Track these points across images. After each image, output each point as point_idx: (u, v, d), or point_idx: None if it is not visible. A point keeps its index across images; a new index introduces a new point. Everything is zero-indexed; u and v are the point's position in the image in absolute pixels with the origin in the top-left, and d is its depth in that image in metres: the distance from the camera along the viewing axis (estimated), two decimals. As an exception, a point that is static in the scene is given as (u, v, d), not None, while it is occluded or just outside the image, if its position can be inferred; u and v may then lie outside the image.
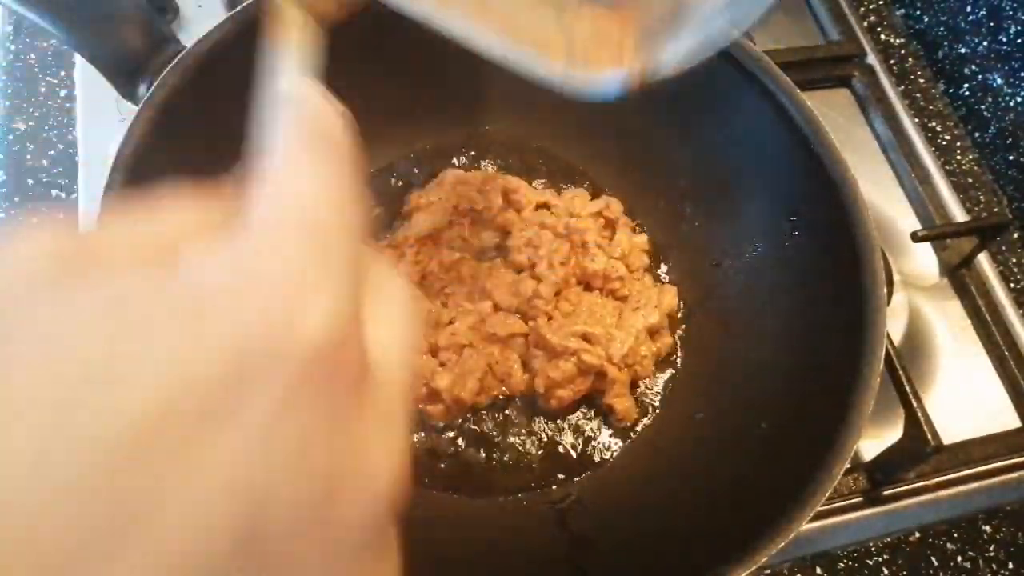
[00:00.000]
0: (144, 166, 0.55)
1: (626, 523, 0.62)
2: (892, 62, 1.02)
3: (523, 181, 0.77)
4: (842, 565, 0.71)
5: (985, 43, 0.96)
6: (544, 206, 0.75)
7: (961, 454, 0.73)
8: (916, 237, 0.82)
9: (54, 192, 0.80)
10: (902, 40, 1.04)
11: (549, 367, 0.67)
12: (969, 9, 0.97)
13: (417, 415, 0.67)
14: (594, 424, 0.69)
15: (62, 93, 0.85)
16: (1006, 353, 0.80)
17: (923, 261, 0.86)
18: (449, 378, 0.66)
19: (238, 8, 0.62)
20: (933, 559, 0.72)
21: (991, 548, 0.73)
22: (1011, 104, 0.93)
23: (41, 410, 0.17)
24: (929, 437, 0.65)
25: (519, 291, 0.69)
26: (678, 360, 0.72)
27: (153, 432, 0.17)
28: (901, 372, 0.69)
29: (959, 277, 0.84)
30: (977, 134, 0.98)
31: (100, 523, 0.16)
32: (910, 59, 1.03)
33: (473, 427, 0.68)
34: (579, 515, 0.64)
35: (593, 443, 0.68)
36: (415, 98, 0.77)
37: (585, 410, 0.69)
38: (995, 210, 0.93)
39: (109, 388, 0.17)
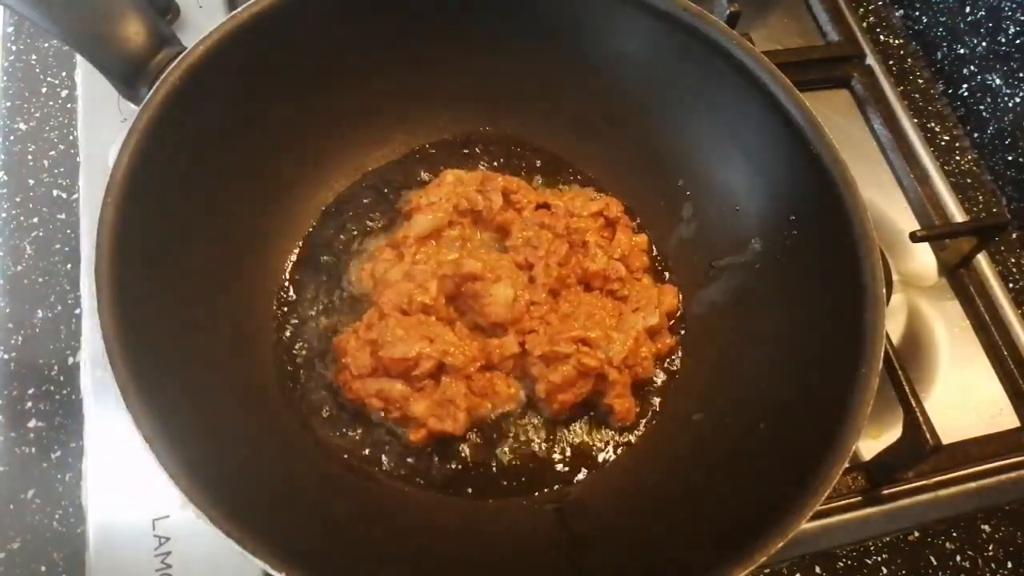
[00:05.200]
0: (146, 166, 0.56)
1: (626, 523, 0.62)
2: (891, 63, 1.02)
3: (523, 181, 0.77)
4: (841, 564, 0.71)
5: (984, 44, 0.96)
6: (544, 206, 0.75)
7: (960, 454, 0.73)
8: (915, 237, 0.82)
9: (55, 192, 0.80)
10: (901, 41, 1.05)
11: (549, 372, 0.67)
12: (968, 10, 0.98)
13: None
14: (594, 425, 0.69)
15: (63, 94, 0.85)
16: (1005, 353, 0.80)
17: (922, 261, 0.86)
18: (425, 404, 0.65)
19: (238, 8, 0.62)
20: (932, 558, 0.72)
21: (990, 547, 0.73)
22: (1010, 104, 0.93)
23: None
24: (928, 437, 0.65)
25: (513, 307, 0.68)
26: (678, 360, 0.73)
27: None
28: (900, 372, 0.69)
29: (958, 277, 0.85)
30: (976, 134, 0.98)
31: None
32: (909, 60, 1.03)
33: (474, 430, 0.68)
34: (579, 515, 0.64)
35: (593, 443, 0.68)
36: (415, 98, 0.77)
37: (585, 411, 0.69)
38: (994, 210, 0.93)
39: None
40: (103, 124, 0.80)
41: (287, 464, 0.61)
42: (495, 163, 0.80)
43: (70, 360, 0.72)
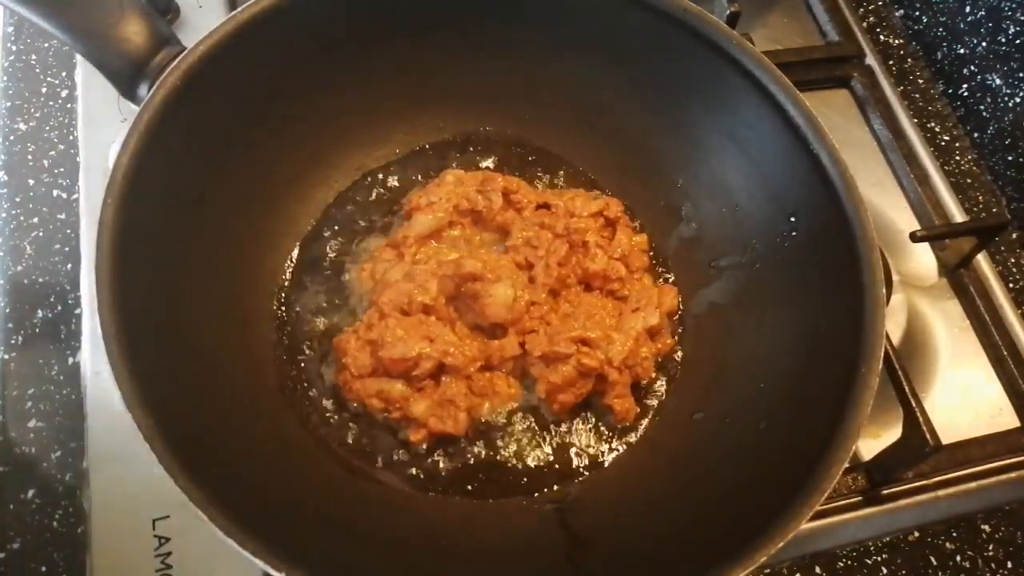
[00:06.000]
0: (146, 167, 0.56)
1: (626, 523, 0.62)
2: (891, 63, 1.02)
3: (523, 181, 0.77)
4: (841, 564, 0.71)
5: (984, 44, 0.96)
6: (544, 206, 0.75)
7: (960, 454, 0.73)
8: (915, 237, 0.82)
9: (55, 192, 0.80)
10: (901, 41, 1.05)
11: (549, 372, 0.67)
12: (968, 10, 0.98)
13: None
14: (594, 425, 0.69)
15: (63, 94, 0.85)
16: (1004, 353, 0.80)
17: (922, 261, 0.86)
18: (425, 404, 0.65)
19: (238, 8, 0.62)
20: (932, 558, 0.72)
21: (990, 547, 0.73)
22: (1010, 104, 0.93)
23: None
24: (928, 437, 0.65)
25: (513, 307, 0.68)
26: (678, 360, 0.73)
27: None
28: (900, 372, 0.69)
29: (958, 277, 0.85)
30: (976, 134, 0.98)
31: None
32: (909, 60, 1.03)
33: (474, 430, 0.68)
34: (579, 515, 0.64)
35: (593, 444, 0.68)
36: (415, 98, 0.77)
37: (585, 411, 0.69)
38: (994, 210, 0.93)
39: None
40: (103, 124, 0.80)
41: (287, 464, 0.61)
42: (495, 163, 0.80)
43: (70, 360, 0.72)
